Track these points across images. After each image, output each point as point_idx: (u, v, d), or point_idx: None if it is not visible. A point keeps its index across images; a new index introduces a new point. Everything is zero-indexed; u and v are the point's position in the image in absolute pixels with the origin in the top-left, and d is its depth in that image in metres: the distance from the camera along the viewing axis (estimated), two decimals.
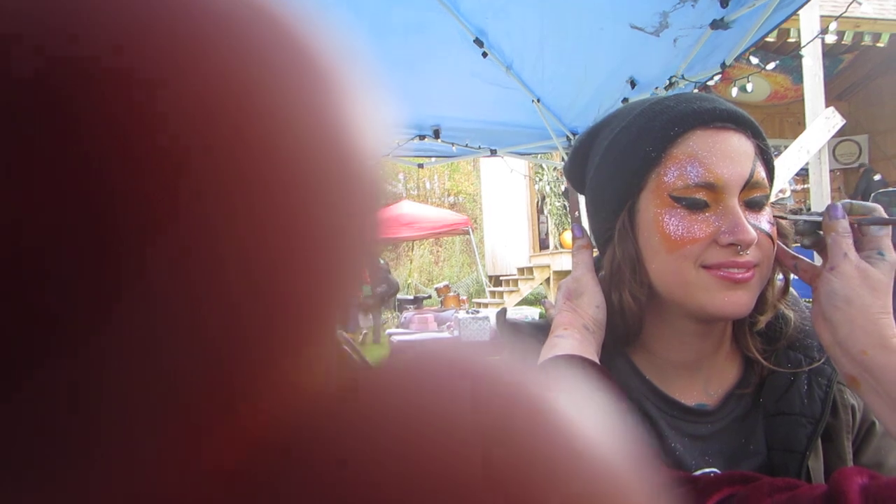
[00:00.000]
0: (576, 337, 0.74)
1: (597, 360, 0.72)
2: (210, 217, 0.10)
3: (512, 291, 12.53)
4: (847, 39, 7.71)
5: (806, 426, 0.74)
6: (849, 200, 0.70)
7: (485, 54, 3.12)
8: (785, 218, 0.75)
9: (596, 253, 0.86)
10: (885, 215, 0.68)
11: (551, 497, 0.12)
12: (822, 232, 0.70)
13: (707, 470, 0.75)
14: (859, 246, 0.67)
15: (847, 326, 0.64)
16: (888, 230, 0.67)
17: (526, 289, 12.24)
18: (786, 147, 5.47)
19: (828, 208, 0.69)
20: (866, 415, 0.79)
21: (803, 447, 0.73)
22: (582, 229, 0.86)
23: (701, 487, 0.45)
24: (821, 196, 5.21)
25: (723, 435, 0.78)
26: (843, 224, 0.67)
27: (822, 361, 0.77)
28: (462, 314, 3.87)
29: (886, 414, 0.61)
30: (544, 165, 11.20)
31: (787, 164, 5.09)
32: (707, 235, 0.70)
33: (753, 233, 0.69)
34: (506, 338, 0.85)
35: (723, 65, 2.97)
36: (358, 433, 0.12)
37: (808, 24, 5.22)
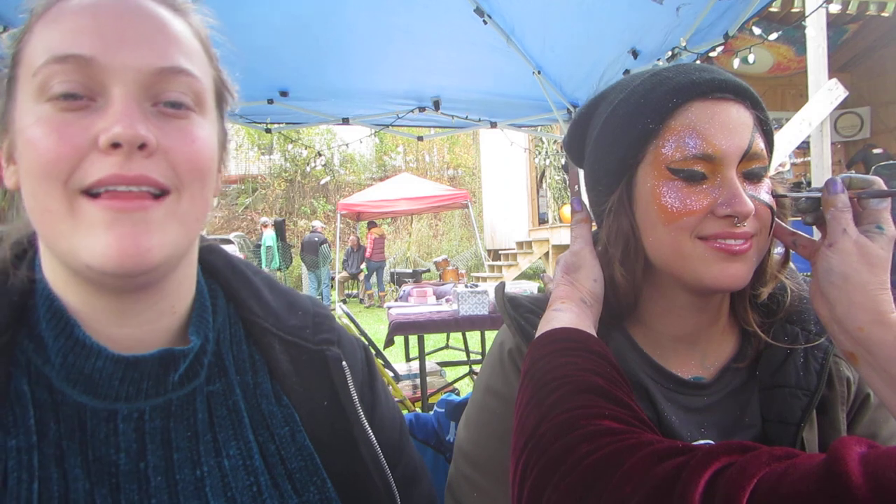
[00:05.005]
0: (573, 310, 0.74)
1: (594, 333, 0.73)
2: None
3: (511, 265, 12.55)
4: (852, 9, 7.59)
5: (801, 398, 0.75)
6: (848, 174, 0.69)
7: (485, 22, 3.07)
8: (786, 196, 0.75)
9: (595, 227, 0.85)
10: (885, 188, 0.67)
11: None
12: (823, 208, 0.69)
13: (702, 442, 0.76)
14: (858, 220, 0.66)
15: (844, 303, 0.64)
16: (888, 203, 0.66)
17: (525, 263, 12.27)
18: (787, 120, 5.43)
19: (827, 183, 0.68)
20: (861, 387, 0.80)
21: (798, 419, 0.74)
22: (581, 203, 0.86)
23: (699, 457, 0.46)
24: (821, 169, 5.18)
25: (718, 407, 0.78)
26: (843, 199, 0.66)
27: (818, 335, 0.78)
28: (461, 288, 3.88)
29: (883, 389, 0.61)
30: (544, 139, 11.13)
31: (788, 137, 5.05)
32: (704, 207, 0.70)
33: (751, 204, 0.68)
34: (504, 312, 0.85)
35: (726, 35, 2.93)
36: None
37: None
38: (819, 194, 0.69)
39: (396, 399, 3.67)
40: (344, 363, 0.74)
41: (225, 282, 0.73)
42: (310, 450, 0.69)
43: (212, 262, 0.74)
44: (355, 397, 0.73)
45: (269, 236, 12.64)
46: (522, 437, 0.59)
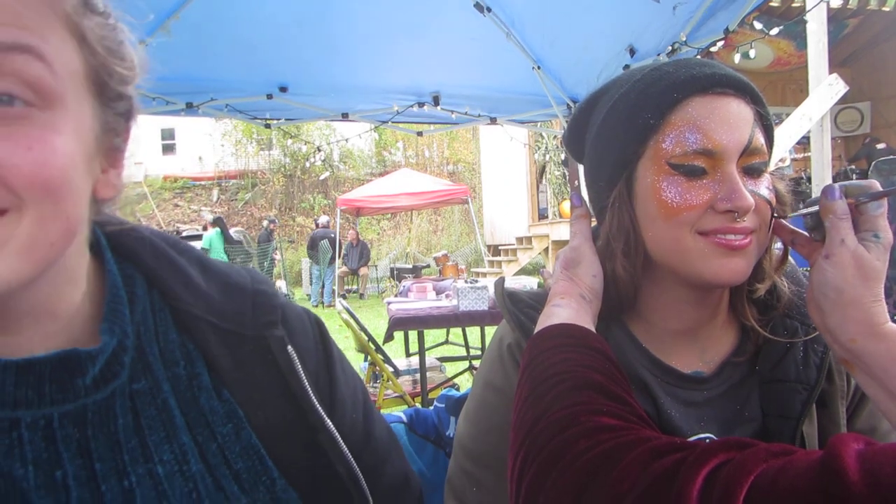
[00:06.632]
0: (572, 306, 0.74)
1: (593, 329, 0.73)
2: None
3: (510, 261, 12.55)
4: (852, 3, 7.57)
5: (801, 392, 0.75)
6: (844, 183, 0.69)
7: (484, 16, 3.06)
8: (786, 217, 0.74)
9: (594, 222, 0.85)
10: (881, 189, 0.66)
11: None
12: (821, 215, 0.68)
13: (702, 436, 0.76)
14: (856, 227, 0.66)
15: (838, 315, 0.64)
16: (885, 209, 0.66)
17: (524, 258, 12.26)
18: (787, 115, 5.42)
19: (824, 190, 0.67)
20: None
21: (798, 413, 0.74)
22: (581, 198, 0.85)
23: (697, 453, 0.46)
24: (821, 164, 5.18)
25: (718, 402, 0.79)
26: (841, 205, 0.65)
27: (816, 329, 0.78)
28: (460, 283, 3.88)
29: (878, 395, 0.62)
30: (544, 134, 11.11)
31: (788, 133, 5.05)
32: (704, 202, 0.70)
33: (751, 199, 0.68)
34: (504, 307, 0.85)
35: (726, 30, 2.92)
36: None
37: None
38: (818, 207, 0.68)
39: (396, 394, 3.69)
40: (290, 347, 0.67)
41: (144, 266, 0.65)
42: (257, 448, 0.64)
43: (128, 246, 0.65)
44: (307, 384, 0.67)
45: (208, 237, 11.69)
46: (521, 433, 0.59)
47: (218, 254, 11.49)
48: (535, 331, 0.72)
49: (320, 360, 0.74)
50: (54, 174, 0.47)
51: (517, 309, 0.83)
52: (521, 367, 0.68)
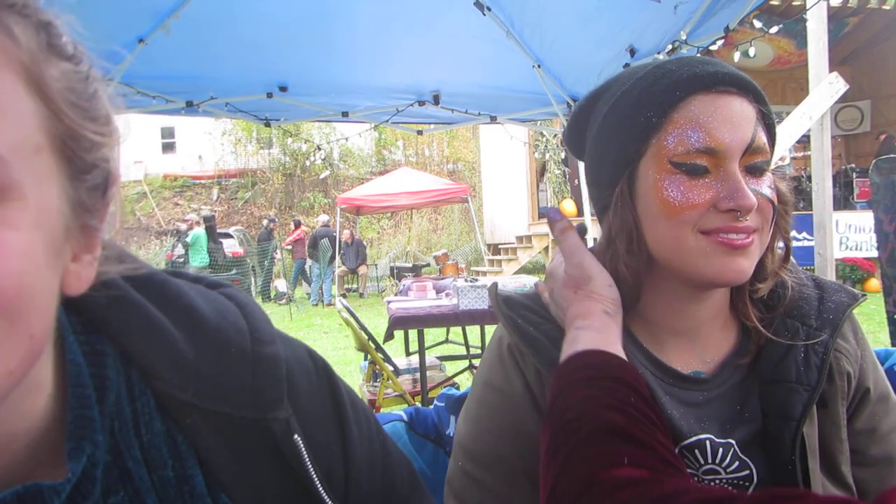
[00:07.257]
0: (595, 326, 0.72)
1: (619, 348, 0.71)
2: None
3: (510, 260, 12.54)
4: (853, 2, 7.57)
5: (801, 393, 0.75)
6: None
7: (484, 14, 3.06)
8: None
9: (578, 223, 0.84)
10: None
11: None
12: None
13: (703, 436, 0.75)
14: None
15: None
16: None
17: (524, 257, 12.26)
18: (788, 113, 5.41)
19: None
20: (861, 381, 0.79)
21: (798, 414, 0.74)
22: (559, 212, 0.84)
23: None
24: (821, 163, 5.18)
25: (718, 402, 0.78)
26: None
27: (818, 330, 0.77)
28: (460, 282, 3.88)
29: None
30: (544, 133, 11.10)
31: (788, 131, 5.04)
32: (706, 201, 0.69)
33: (753, 198, 0.68)
34: (499, 312, 0.84)
35: (726, 29, 2.92)
36: None
37: None
38: None
39: (396, 393, 3.69)
40: (296, 437, 0.56)
41: (118, 337, 0.52)
42: None
43: (98, 310, 0.52)
44: (316, 480, 0.57)
45: (195, 234, 11.26)
46: (544, 493, 0.58)
47: (202, 253, 11.46)
48: (561, 359, 0.70)
49: (331, 425, 0.63)
50: (9, 285, 0.36)
51: (513, 312, 0.82)
52: (548, 400, 0.67)
